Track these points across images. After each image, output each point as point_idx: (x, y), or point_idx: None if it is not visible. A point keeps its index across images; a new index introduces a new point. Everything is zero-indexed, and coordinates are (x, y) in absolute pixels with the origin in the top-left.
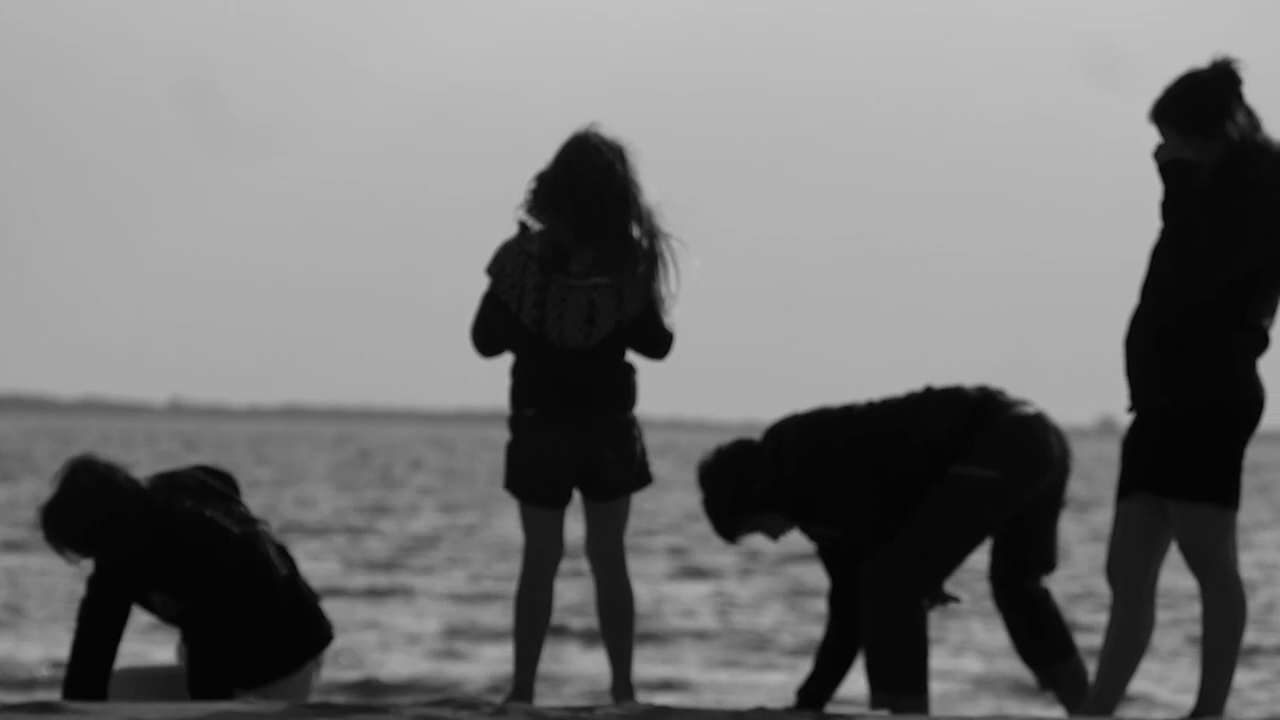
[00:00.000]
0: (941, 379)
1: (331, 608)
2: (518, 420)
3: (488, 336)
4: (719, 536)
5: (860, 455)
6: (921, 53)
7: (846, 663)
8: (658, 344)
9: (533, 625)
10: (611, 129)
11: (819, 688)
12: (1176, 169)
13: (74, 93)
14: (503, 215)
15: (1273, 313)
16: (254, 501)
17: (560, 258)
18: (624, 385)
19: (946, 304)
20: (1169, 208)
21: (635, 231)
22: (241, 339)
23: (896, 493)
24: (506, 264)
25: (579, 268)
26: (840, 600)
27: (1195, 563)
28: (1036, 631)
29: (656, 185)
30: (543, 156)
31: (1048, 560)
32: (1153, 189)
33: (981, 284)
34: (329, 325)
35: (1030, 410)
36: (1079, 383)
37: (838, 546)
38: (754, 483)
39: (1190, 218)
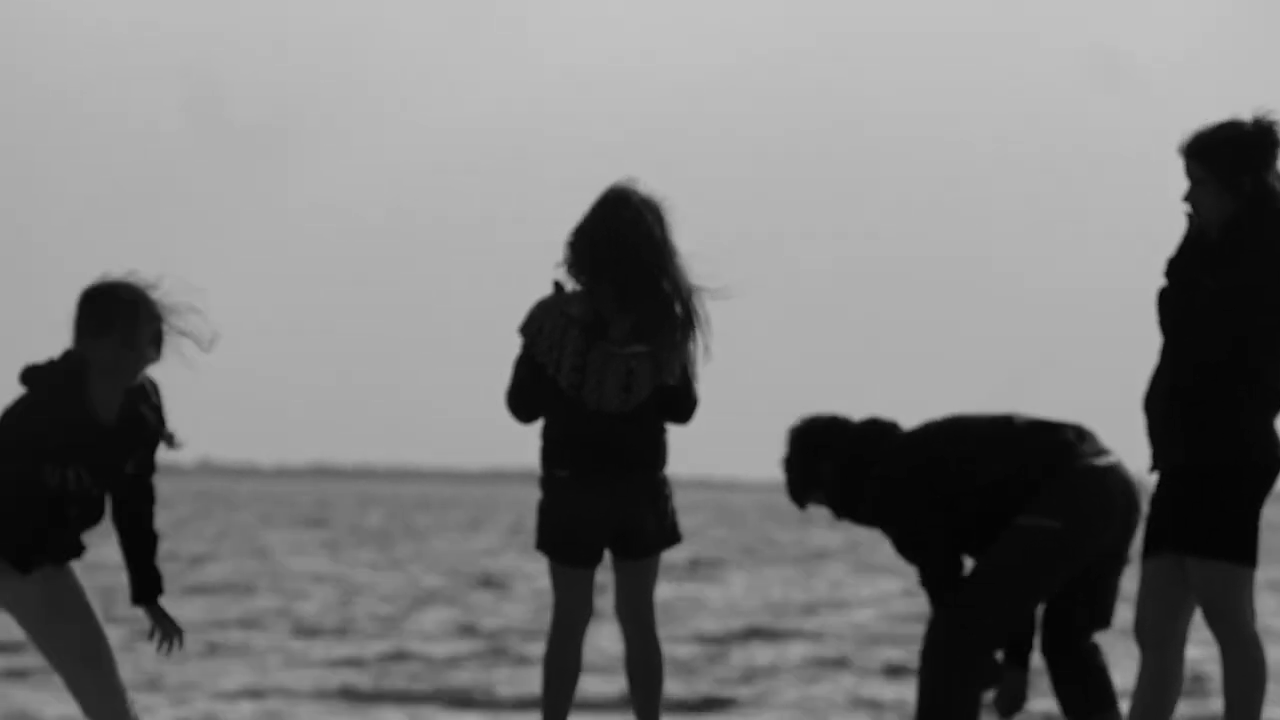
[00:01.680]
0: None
1: None
2: (550, 480)
3: (526, 403)
4: (789, 498)
5: (927, 487)
6: (970, 71)
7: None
8: (684, 409)
9: (561, 684)
10: (647, 184)
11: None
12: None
13: (92, 143)
14: (536, 271)
15: None
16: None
17: (601, 323)
18: (656, 446)
19: (980, 360)
20: (1179, 263)
21: (672, 298)
22: (270, 398)
23: (962, 530)
24: (544, 325)
25: (619, 334)
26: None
27: (1213, 620)
28: (1082, 682)
29: (692, 234)
30: (584, 207)
31: (1104, 615)
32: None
33: (1019, 323)
34: (356, 383)
35: (1104, 462)
36: (1111, 439)
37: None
38: (824, 462)
39: (1192, 275)
